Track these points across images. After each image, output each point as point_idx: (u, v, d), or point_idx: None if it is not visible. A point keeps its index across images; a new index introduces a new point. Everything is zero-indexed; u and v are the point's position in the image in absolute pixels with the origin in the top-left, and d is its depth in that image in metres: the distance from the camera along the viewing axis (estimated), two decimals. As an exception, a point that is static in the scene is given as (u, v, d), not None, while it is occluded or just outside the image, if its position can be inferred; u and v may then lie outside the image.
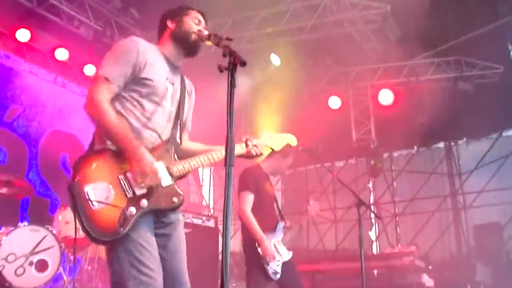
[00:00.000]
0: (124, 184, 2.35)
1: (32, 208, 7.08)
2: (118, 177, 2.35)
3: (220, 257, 2.02)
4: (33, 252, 4.75)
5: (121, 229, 2.27)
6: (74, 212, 2.25)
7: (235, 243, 4.63)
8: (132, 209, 2.32)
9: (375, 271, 6.81)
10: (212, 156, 2.66)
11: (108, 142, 2.42)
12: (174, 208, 2.48)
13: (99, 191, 2.28)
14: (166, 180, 2.46)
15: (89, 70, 8.12)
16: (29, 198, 6.94)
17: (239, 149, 2.76)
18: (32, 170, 7.39)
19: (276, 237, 4.47)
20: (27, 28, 7.35)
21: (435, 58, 8.52)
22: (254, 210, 4.44)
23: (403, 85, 8.86)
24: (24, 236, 4.80)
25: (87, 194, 2.26)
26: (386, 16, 7.57)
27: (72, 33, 7.78)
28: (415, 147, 10.58)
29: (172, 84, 2.65)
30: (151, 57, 2.55)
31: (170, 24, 2.71)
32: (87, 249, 5.49)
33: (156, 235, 2.47)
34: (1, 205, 5.92)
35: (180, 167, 2.54)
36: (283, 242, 4.52)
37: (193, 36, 2.65)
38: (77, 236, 5.13)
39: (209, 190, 11.75)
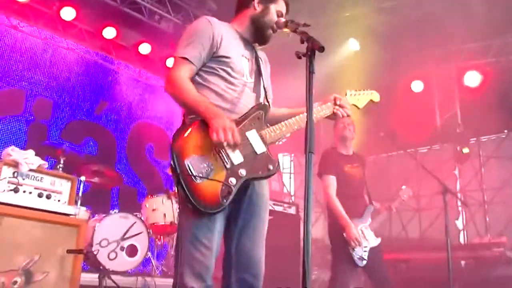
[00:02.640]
0: (222, 154, 2.36)
1: (122, 197, 7.47)
2: (215, 148, 2.36)
3: (301, 244, 2.02)
4: (123, 238, 5.01)
5: (224, 201, 2.30)
6: (178, 186, 2.29)
7: (317, 230, 4.63)
8: (233, 180, 2.33)
9: (463, 262, 6.54)
10: (300, 118, 2.60)
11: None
12: (271, 175, 2.47)
13: (199, 164, 2.30)
14: (260, 147, 2.45)
15: (171, 62, 8.37)
16: (118, 187, 7.32)
17: (326, 110, 2.73)
18: (120, 160, 7.78)
19: (364, 222, 4.41)
20: (113, 26, 7.71)
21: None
22: (338, 194, 4.38)
23: (492, 65, 8.35)
24: (115, 223, 5.07)
25: (189, 168, 2.28)
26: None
27: (153, 27, 8.07)
28: (505, 131, 9.96)
29: (247, 58, 2.67)
30: (226, 34, 2.58)
31: (256, 5, 2.70)
32: (173, 235, 5.70)
33: (236, 212, 2.48)
34: (94, 194, 6.29)
35: (272, 133, 2.53)
36: (371, 227, 4.43)
37: (269, 31, 2.69)
38: (163, 223, 5.39)
39: (290, 177, 11.79)
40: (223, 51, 2.55)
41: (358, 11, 7.82)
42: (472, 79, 8.44)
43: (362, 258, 4.25)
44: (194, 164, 2.29)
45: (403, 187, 4.84)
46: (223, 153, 2.36)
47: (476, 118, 8.79)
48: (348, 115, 2.78)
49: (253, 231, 2.53)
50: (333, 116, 2.76)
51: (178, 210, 5.60)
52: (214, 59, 2.54)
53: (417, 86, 8.93)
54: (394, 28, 7.84)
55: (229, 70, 2.55)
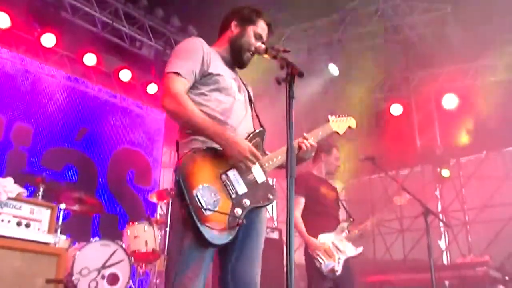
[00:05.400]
0: (227, 184, 2.36)
1: (103, 224, 7.35)
2: (220, 177, 2.36)
3: (285, 269, 2.01)
4: (104, 266, 4.91)
5: (232, 232, 2.29)
6: (187, 216, 2.25)
7: (300, 255, 4.61)
8: (238, 210, 2.33)
9: (447, 282, 6.57)
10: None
11: (193, 137, 2.42)
12: (271, 203, 2.47)
13: (207, 194, 2.27)
14: (260, 177, 2.46)
15: (152, 88, 8.37)
16: (99, 215, 7.21)
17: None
18: (101, 187, 7.69)
19: (337, 234, 4.55)
20: (93, 52, 7.71)
21: (503, 58, 8.16)
22: (309, 213, 4.57)
23: (468, 88, 8.53)
24: (96, 251, 4.97)
25: (198, 200, 2.25)
26: (446, 18, 7.35)
27: (134, 53, 8.09)
28: (484, 152, 10.12)
29: (233, 78, 2.68)
30: (213, 55, 2.60)
31: (233, 28, 2.73)
32: (155, 263, 5.62)
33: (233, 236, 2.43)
34: (74, 221, 6.18)
35: (270, 161, 2.54)
36: (348, 239, 4.58)
37: (246, 54, 2.69)
38: (145, 250, 5.32)
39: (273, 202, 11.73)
40: (212, 68, 2.55)
41: (338, 36, 7.96)
42: (450, 101, 8.61)
43: (333, 270, 4.37)
44: (203, 195, 2.27)
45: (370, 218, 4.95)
46: (229, 183, 2.36)
47: (455, 139, 8.94)
48: (312, 145, 2.72)
49: (249, 255, 2.51)
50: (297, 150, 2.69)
51: (160, 237, 5.56)
52: (204, 77, 2.54)
53: (396, 109, 9.07)
54: (373, 53, 7.99)
55: (219, 87, 2.55)
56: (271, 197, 2.46)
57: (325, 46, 8.15)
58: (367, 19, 7.80)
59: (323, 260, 4.36)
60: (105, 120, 8.05)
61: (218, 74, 2.56)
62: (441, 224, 9.52)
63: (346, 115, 3.11)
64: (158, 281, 5.64)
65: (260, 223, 2.59)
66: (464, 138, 8.85)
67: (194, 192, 2.25)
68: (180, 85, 2.44)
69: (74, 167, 7.44)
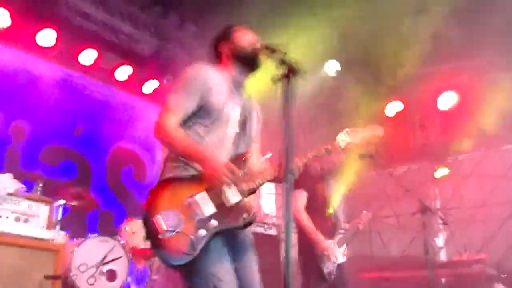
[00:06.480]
0: (192, 207, 2.37)
1: (101, 220, 7.36)
2: (186, 201, 2.37)
3: (282, 266, 2.02)
4: (102, 262, 4.93)
5: (192, 252, 2.29)
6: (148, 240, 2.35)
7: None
8: (202, 231, 2.33)
9: (443, 279, 6.58)
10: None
11: (180, 167, 2.48)
12: (246, 225, 2.45)
13: (168, 219, 2.31)
14: (234, 197, 2.43)
15: (150, 85, 8.34)
16: (97, 211, 7.22)
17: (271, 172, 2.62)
18: (99, 183, 7.69)
19: (331, 239, 4.54)
20: (91, 49, 7.67)
21: (501, 56, 8.16)
22: (308, 210, 4.52)
23: (467, 86, 8.54)
24: (94, 247, 5.00)
25: (156, 224, 2.31)
26: (445, 16, 7.35)
27: (132, 50, 8.06)
28: (483, 150, 10.12)
29: (238, 104, 2.67)
30: (216, 82, 2.59)
31: (224, 47, 2.77)
32: (153, 259, 5.63)
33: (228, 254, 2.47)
34: (72, 217, 6.19)
35: (249, 182, 2.51)
36: (339, 243, 4.56)
37: (249, 49, 2.67)
38: (143, 246, 5.32)
39: (271, 198, 11.72)
40: (211, 99, 2.55)
41: (335, 35, 7.94)
42: (448, 99, 8.62)
43: (331, 273, 4.35)
44: (163, 219, 2.32)
45: (364, 212, 5.04)
46: (194, 206, 2.37)
47: (453, 136, 8.95)
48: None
49: (247, 263, 2.59)
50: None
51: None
52: (203, 107, 2.55)
53: (395, 106, 9.07)
54: (371, 51, 7.99)
55: (214, 118, 2.56)
56: (245, 216, 2.43)
57: (323, 45, 8.13)
58: (365, 18, 7.78)
59: (328, 262, 4.35)
60: (103, 117, 8.05)
61: (217, 104, 2.56)
62: (438, 221, 9.53)
63: (368, 125, 2.97)
64: (156, 277, 5.65)
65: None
66: (465, 144, 8.89)
67: (155, 217, 2.32)
68: (172, 119, 2.50)
69: (72, 163, 7.45)
